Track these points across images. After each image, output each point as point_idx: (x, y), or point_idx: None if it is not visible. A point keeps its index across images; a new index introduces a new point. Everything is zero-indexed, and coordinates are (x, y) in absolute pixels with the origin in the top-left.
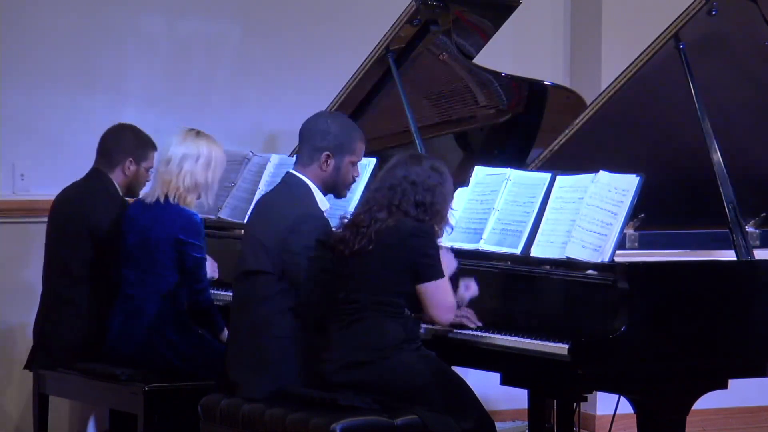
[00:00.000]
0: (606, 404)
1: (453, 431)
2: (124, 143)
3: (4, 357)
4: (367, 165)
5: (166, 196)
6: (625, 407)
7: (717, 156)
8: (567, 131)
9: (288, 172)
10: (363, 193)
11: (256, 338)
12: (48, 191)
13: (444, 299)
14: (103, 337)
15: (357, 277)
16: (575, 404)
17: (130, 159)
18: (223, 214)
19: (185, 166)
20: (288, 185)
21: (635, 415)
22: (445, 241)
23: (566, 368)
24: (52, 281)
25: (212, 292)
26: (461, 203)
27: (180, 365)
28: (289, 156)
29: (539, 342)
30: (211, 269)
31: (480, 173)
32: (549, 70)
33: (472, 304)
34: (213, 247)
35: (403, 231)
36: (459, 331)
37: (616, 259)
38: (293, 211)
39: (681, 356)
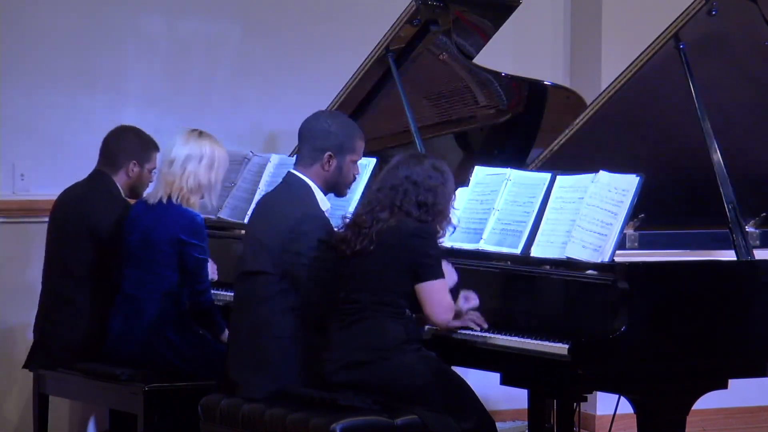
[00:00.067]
0: (606, 404)
1: (453, 431)
2: (128, 146)
3: (4, 357)
4: (367, 165)
5: (169, 197)
6: (625, 407)
7: (717, 156)
8: (567, 131)
9: (289, 172)
10: (363, 192)
11: (256, 338)
12: (48, 191)
13: (442, 299)
14: (104, 337)
15: (358, 277)
16: (575, 404)
17: (134, 161)
18: (223, 214)
19: (188, 167)
20: (289, 185)
21: (635, 415)
22: (446, 241)
23: (566, 368)
24: (52, 281)
25: (213, 292)
26: (461, 203)
27: (180, 365)
28: (289, 156)
29: (539, 342)
30: (211, 271)
31: (480, 173)
32: (549, 70)
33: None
34: (213, 247)
35: (405, 231)
36: (459, 330)
37: (616, 259)
38: (294, 212)
39: (681, 356)
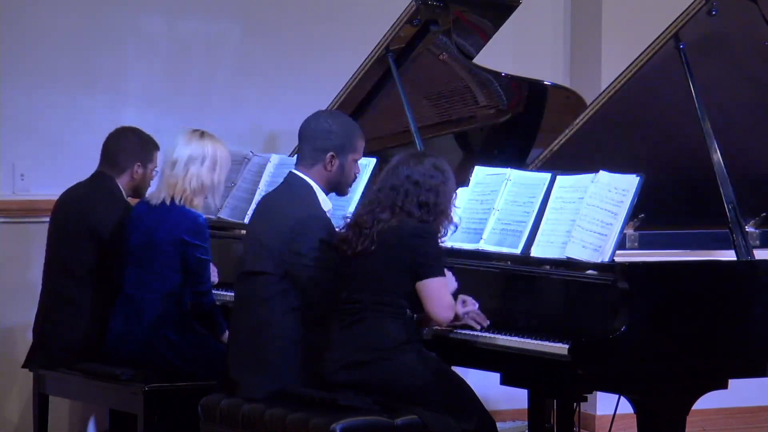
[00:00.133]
0: (606, 404)
1: (453, 431)
2: (130, 148)
3: (4, 357)
4: (367, 165)
5: (172, 198)
6: (625, 407)
7: (717, 156)
8: (567, 131)
9: (290, 172)
10: (363, 192)
11: (256, 338)
12: (48, 191)
13: (443, 296)
14: (104, 338)
15: (359, 277)
16: (575, 404)
17: (138, 163)
18: (223, 214)
19: (191, 169)
20: (290, 185)
21: (635, 415)
22: (446, 240)
23: (566, 368)
24: (52, 281)
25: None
26: (461, 203)
27: (180, 365)
28: (289, 156)
29: (539, 342)
30: (212, 274)
31: (480, 173)
32: (549, 70)
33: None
34: (213, 247)
35: (405, 231)
36: (459, 331)
37: (616, 259)
38: (296, 212)
39: (681, 356)
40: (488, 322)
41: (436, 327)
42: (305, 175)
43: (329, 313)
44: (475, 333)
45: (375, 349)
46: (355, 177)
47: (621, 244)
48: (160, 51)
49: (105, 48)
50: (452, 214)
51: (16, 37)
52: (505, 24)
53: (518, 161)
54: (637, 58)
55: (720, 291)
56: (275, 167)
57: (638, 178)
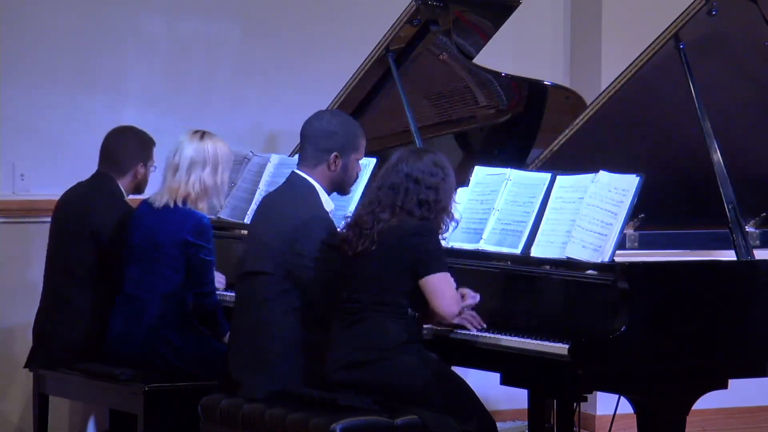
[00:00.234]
0: (606, 404)
1: (453, 431)
2: (132, 149)
3: (5, 357)
4: (367, 165)
5: (175, 202)
6: (625, 407)
7: (717, 156)
8: (567, 131)
9: (293, 173)
10: (363, 192)
11: (257, 338)
12: (48, 191)
13: (447, 290)
14: (104, 338)
15: (359, 277)
16: (575, 404)
17: (141, 163)
18: (223, 214)
19: (193, 174)
20: (293, 185)
21: (635, 415)
22: (448, 239)
23: (566, 368)
24: (53, 281)
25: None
26: (462, 203)
27: (180, 365)
28: (289, 156)
29: (539, 342)
30: (219, 281)
31: (480, 173)
32: (549, 70)
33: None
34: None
35: (405, 230)
36: (459, 331)
37: (616, 259)
38: (299, 213)
39: (681, 356)
40: (484, 326)
41: (436, 327)
42: (308, 175)
43: (330, 313)
44: (476, 333)
45: (375, 349)
46: (357, 176)
47: (621, 244)
48: (160, 51)
49: (105, 48)
50: (453, 210)
51: (16, 37)
52: (505, 24)
53: (518, 161)
54: (637, 58)
55: (720, 291)
56: (275, 167)
57: (638, 178)
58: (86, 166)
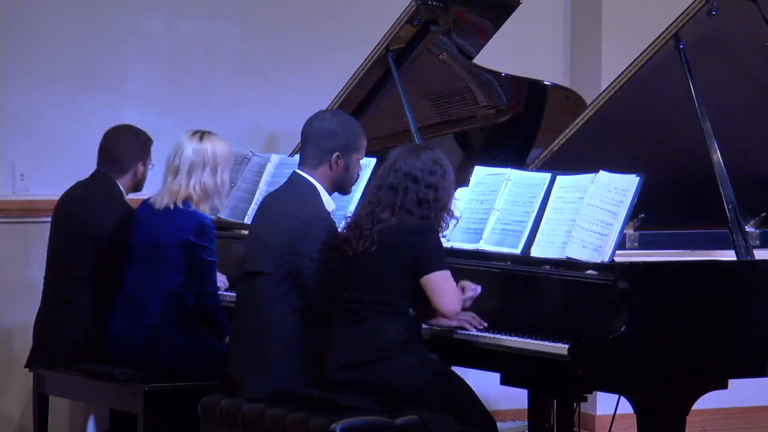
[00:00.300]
0: (606, 404)
1: (453, 431)
2: (131, 149)
3: (5, 356)
4: (367, 165)
5: (176, 203)
6: (625, 407)
7: (717, 156)
8: (567, 131)
9: (294, 173)
10: (363, 192)
11: (257, 338)
12: (48, 191)
13: (448, 288)
14: (104, 337)
15: (359, 277)
16: (575, 404)
17: (140, 162)
18: (223, 214)
19: (194, 177)
20: (294, 186)
21: (635, 415)
22: (448, 236)
23: (566, 368)
24: (53, 281)
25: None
26: (461, 203)
27: (180, 365)
28: (289, 156)
29: (539, 342)
30: (221, 281)
31: (480, 173)
32: (549, 70)
33: (474, 304)
34: None
35: (405, 229)
36: (459, 330)
37: (616, 259)
38: (300, 213)
39: (681, 356)
40: (484, 325)
41: (435, 327)
42: (309, 175)
43: (330, 314)
44: (476, 333)
45: (375, 349)
46: (358, 176)
47: (621, 244)
48: (160, 51)
49: (105, 48)
50: (452, 207)
51: (16, 37)
52: (505, 24)
53: (518, 161)
54: (637, 58)
55: (720, 291)
56: (275, 167)
57: (638, 178)
58: (86, 166)
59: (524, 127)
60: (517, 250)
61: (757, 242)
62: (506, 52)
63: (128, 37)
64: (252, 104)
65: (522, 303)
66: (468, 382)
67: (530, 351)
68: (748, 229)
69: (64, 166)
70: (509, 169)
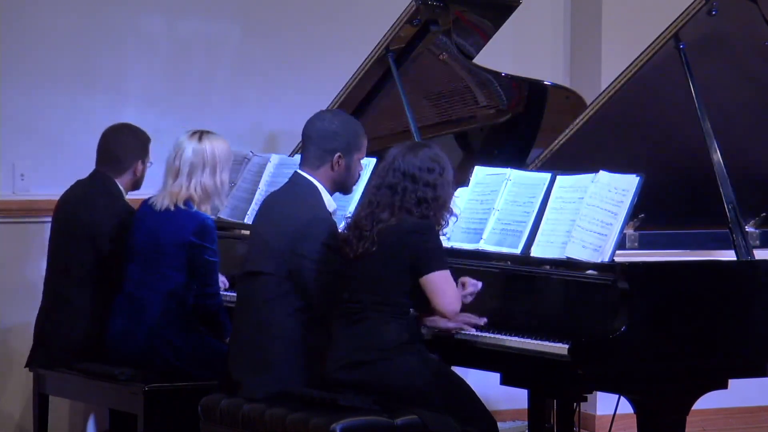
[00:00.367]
0: (606, 404)
1: (453, 431)
2: (131, 148)
3: (5, 356)
4: (367, 165)
5: (176, 204)
6: (625, 407)
7: (717, 156)
8: (567, 131)
9: (296, 173)
10: (363, 192)
11: (258, 338)
12: (48, 191)
13: (447, 288)
14: (104, 337)
15: (360, 278)
16: (575, 404)
17: (139, 161)
18: (223, 214)
19: (194, 179)
20: (296, 186)
21: (635, 415)
22: (447, 235)
23: (566, 368)
24: (53, 281)
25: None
26: (461, 203)
27: (180, 365)
28: (290, 156)
29: (539, 342)
30: (221, 282)
31: (480, 173)
32: (549, 70)
33: (474, 304)
34: None
35: (404, 229)
36: (459, 331)
37: (616, 259)
38: (302, 213)
39: (681, 356)
40: (484, 321)
41: (434, 329)
42: (311, 176)
43: (331, 314)
44: (476, 333)
45: (375, 349)
46: (359, 176)
47: (621, 244)
48: (160, 51)
49: (105, 48)
50: (452, 205)
51: (16, 37)
52: (505, 24)
53: (518, 161)
54: (637, 58)
55: (720, 291)
56: (275, 167)
57: (638, 178)
58: (86, 166)
59: (524, 127)
60: (517, 250)
61: (757, 242)
62: (506, 52)
63: (128, 37)
64: (252, 104)
65: (522, 303)
66: (468, 382)
67: (530, 351)
68: (748, 229)
69: (64, 166)
70: (509, 169)
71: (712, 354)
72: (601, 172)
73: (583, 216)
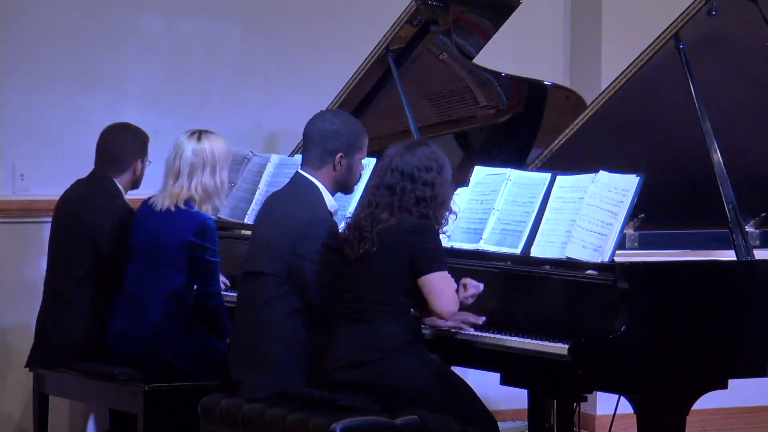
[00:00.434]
0: (606, 404)
1: (453, 431)
2: (130, 147)
3: (5, 356)
4: (367, 165)
5: (176, 205)
6: (625, 407)
7: (717, 156)
8: (567, 131)
9: (297, 173)
10: (363, 192)
11: (258, 338)
12: (48, 191)
13: (446, 290)
14: (104, 337)
15: (360, 278)
16: (575, 404)
17: (139, 160)
18: (223, 214)
19: (194, 179)
20: (297, 186)
21: (635, 415)
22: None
23: (566, 368)
24: (53, 281)
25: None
26: (461, 203)
27: (180, 365)
28: (290, 156)
29: (539, 342)
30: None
31: (480, 173)
32: (549, 70)
33: (474, 304)
34: None
35: (404, 229)
36: (459, 331)
37: (616, 259)
38: (303, 214)
39: (681, 356)
40: (482, 319)
41: (431, 327)
42: (312, 176)
43: (331, 314)
44: (476, 333)
45: (376, 349)
46: (360, 176)
47: (621, 244)
48: (160, 51)
49: (105, 48)
50: (452, 204)
51: (16, 37)
52: (505, 24)
53: (518, 161)
54: (637, 58)
55: (720, 291)
56: (275, 167)
57: (638, 178)
58: (86, 166)
59: (524, 127)
60: (517, 250)
61: (757, 242)
62: (506, 52)
63: (128, 37)
64: (252, 104)
65: (522, 303)
66: (468, 382)
67: (530, 351)
68: (748, 229)
69: (64, 166)
70: (509, 169)
71: (712, 354)
72: (601, 172)
73: (583, 216)
